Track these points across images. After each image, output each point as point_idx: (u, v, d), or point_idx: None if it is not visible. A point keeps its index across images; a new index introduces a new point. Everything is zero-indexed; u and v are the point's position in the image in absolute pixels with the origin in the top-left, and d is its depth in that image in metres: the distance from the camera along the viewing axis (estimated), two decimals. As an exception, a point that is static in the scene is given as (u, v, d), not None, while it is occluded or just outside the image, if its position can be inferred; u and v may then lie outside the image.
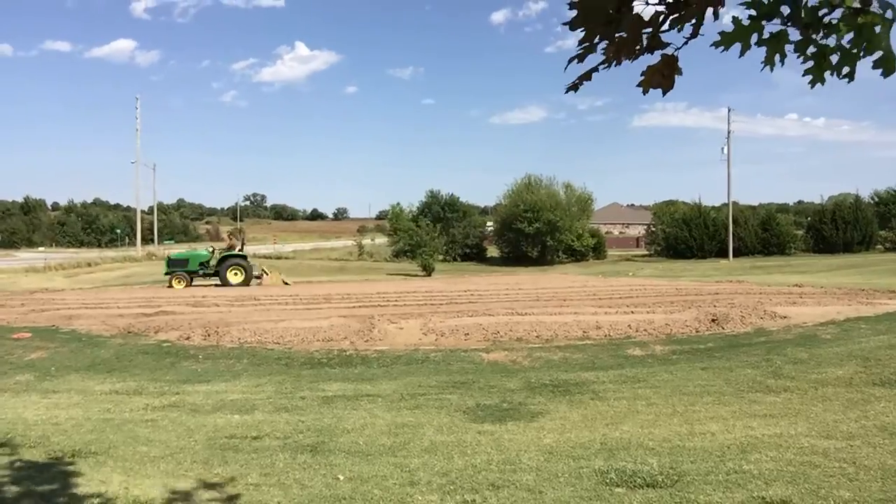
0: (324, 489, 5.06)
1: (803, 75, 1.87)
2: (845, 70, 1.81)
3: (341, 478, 5.31)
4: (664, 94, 2.05)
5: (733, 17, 1.85)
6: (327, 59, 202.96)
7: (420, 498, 4.84)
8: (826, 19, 1.77)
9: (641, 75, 2.02)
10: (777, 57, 1.87)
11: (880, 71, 1.77)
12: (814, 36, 1.80)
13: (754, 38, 1.85)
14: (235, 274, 25.05)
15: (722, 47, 1.89)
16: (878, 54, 1.76)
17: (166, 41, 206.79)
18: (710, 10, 1.86)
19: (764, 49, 1.87)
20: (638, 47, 1.94)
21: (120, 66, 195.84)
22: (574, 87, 2.10)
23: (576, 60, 1.99)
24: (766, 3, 1.80)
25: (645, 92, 2.06)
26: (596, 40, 1.94)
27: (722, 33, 1.87)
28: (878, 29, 1.72)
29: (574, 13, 1.90)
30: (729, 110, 52.74)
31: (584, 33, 1.92)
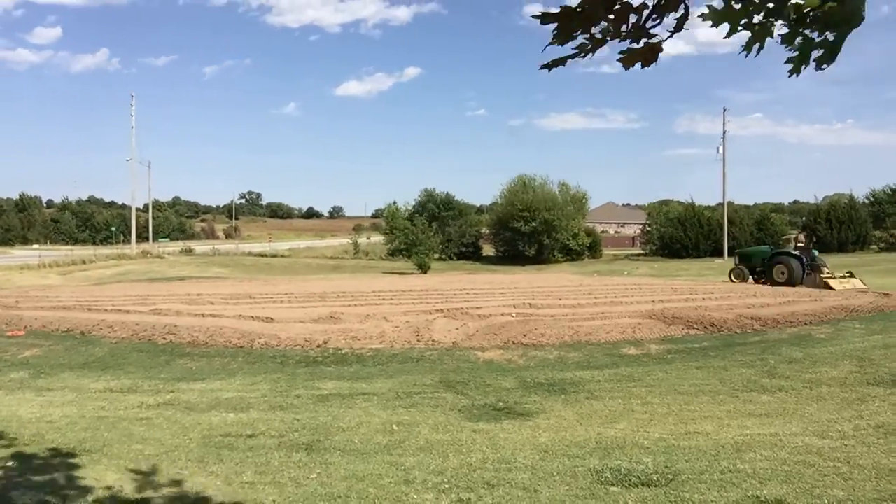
0: (319, 487, 5.05)
1: (785, 62, 1.88)
2: (823, 65, 1.84)
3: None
4: (644, 66, 2.05)
5: None
6: (408, 75, 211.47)
7: (415, 496, 4.84)
8: (811, 14, 1.78)
9: (621, 53, 2.03)
10: (756, 46, 1.88)
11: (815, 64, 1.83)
12: (802, 30, 1.81)
13: (743, 21, 1.86)
14: (782, 273, 23.12)
15: (710, 23, 1.89)
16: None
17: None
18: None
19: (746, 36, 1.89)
20: (624, 29, 1.95)
21: (213, 78, 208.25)
22: (547, 66, 2.10)
23: (556, 44, 1.99)
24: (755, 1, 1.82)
25: (626, 67, 2.06)
26: (576, 33, 1.95)
27: (710, 7, 1.87)
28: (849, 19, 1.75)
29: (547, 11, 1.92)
30: (724, 110, 52.90)
31: (557, 30, 1.94)
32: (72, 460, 5.71)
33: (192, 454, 5.92)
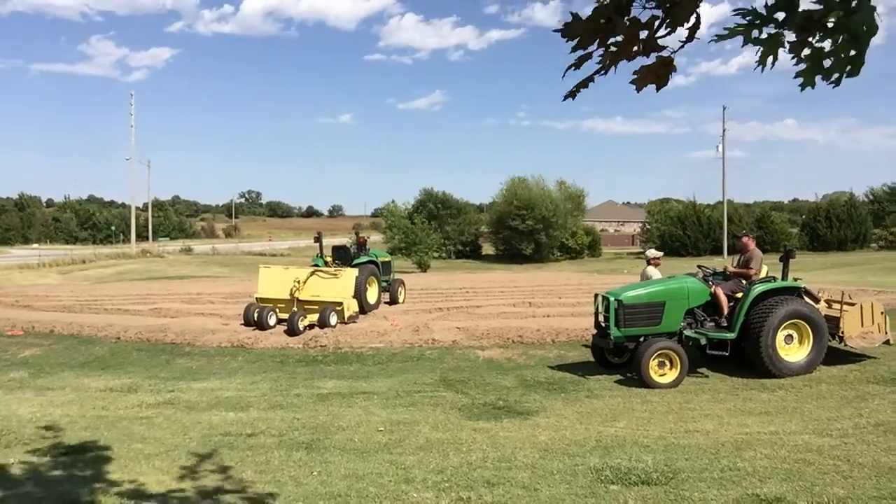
0: (319, 486, 5.05)
1: (795, 77, 1.87)
2: (835, 76, 1.82)
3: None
4: (658, 89, 2.04)
5: (734, 10, 1.86)
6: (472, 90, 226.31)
7: (415, 495, 4.84)
8: (821, 21, 1.77)
9: (634, 73, 2.02)
10: (770, 58, 1.88)
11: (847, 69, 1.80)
12: (809, 39, 1.81)
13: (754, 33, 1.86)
14: None
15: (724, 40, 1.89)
16: (852, 53, 1.77)
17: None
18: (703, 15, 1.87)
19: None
20: (635, 48, 1.94)
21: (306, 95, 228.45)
22: (572, 94, 2.10)
23: (573, 69, 2.00)
24: (762, 14, 1.82)
25: (638, 89, 2.05)
26: (591, 48, 1.95)
27: (728, 28, 1.88)
28: (863, 28, 1.73)
29: (567, 21, 1.91)
30: (724, 108, 52.68)
31: (577, 41, 1.93)
32: (72, 460, 5.71)
33: (192, 453, 5.92)
